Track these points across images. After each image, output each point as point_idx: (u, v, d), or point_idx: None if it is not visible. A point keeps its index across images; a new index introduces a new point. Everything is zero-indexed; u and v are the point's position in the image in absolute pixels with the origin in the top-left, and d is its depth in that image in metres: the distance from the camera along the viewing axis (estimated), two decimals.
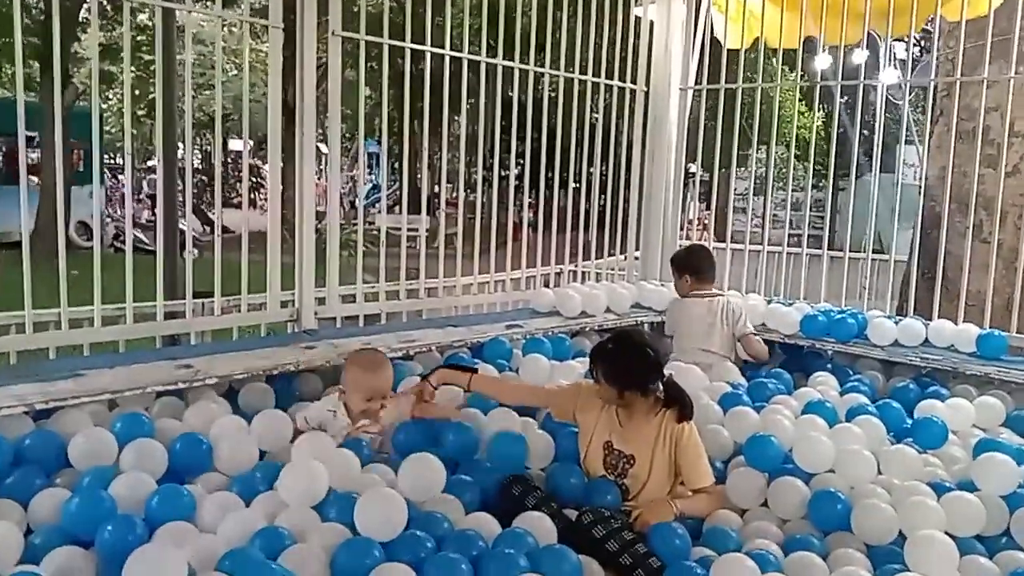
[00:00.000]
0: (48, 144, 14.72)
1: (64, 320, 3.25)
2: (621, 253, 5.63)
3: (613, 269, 5.55)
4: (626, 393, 2.76)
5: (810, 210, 7.12)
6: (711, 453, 2.96)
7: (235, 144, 25.42)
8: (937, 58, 5.67)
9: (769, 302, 4.69)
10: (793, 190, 9.79)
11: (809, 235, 5.39)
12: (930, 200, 5.40)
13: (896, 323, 4.22)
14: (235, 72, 19.28)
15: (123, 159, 10.08)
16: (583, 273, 5.50)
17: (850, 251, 5.19)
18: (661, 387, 2.80)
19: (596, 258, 5.46)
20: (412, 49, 4.20)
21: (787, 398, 3.53)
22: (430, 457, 2.53)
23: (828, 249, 5.26)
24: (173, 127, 4.98)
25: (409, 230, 5.46)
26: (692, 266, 4.34)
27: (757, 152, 5.38)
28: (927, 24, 5.64)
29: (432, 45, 4.24)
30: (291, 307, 3.93)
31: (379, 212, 7.80)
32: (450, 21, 4.34)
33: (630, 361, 2.77)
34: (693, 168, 6.92)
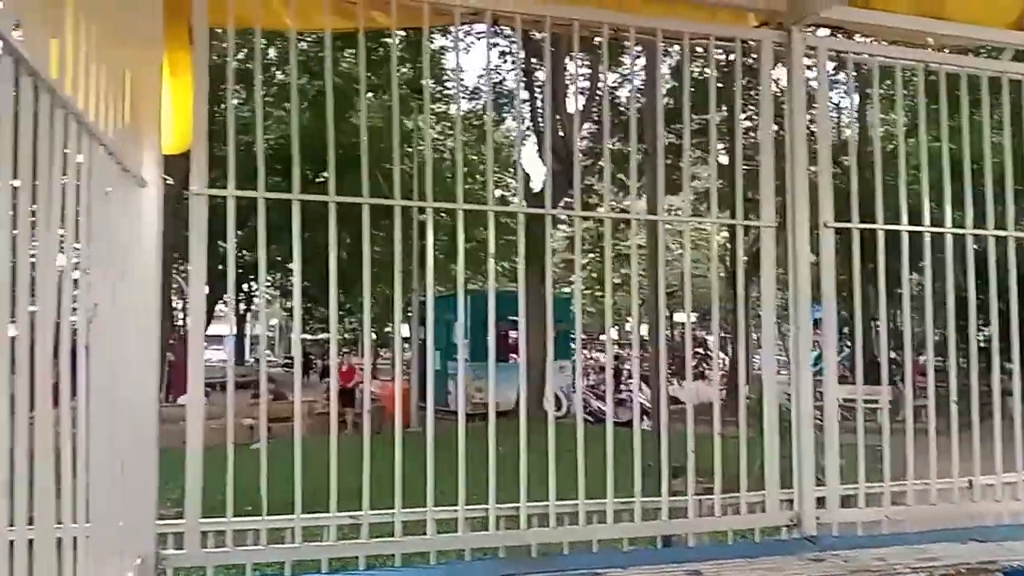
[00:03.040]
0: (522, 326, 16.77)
1: (581, 513, 3.44)
2: None
3: None
4: None
5: None
6: None
7: (680, 316, 26.45)
8: None
9: None
10: None
11: None
12: None
13: None
14: (679, 251, 20.29)
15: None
16: None
17: None
18: None
19: None
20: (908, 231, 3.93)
21: None
22: None
23: None
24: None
25: (867, 403, 4.92)
26: None
27: None
28: None
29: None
30: (792, 509, 3.70)
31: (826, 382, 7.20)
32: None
33: None
34: None
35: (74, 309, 2.00)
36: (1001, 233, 4.09)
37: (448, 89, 20.33)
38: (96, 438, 2.12)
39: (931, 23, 3.80)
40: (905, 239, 3.92)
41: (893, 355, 4.18)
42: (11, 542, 1.60)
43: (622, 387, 18.16)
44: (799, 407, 3.72)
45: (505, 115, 20.94)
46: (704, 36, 3.56)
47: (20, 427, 1.58)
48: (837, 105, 16.28)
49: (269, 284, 29.65)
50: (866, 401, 4.09)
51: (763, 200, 3.68)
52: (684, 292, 3.63)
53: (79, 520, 2.03)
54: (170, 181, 2.93)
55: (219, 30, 3.13)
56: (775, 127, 3.84)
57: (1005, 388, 4.23)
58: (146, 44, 2.75)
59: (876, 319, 3.97)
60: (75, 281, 1.98)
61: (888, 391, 4.19)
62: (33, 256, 1.69)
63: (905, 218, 3.90)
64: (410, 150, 15.44)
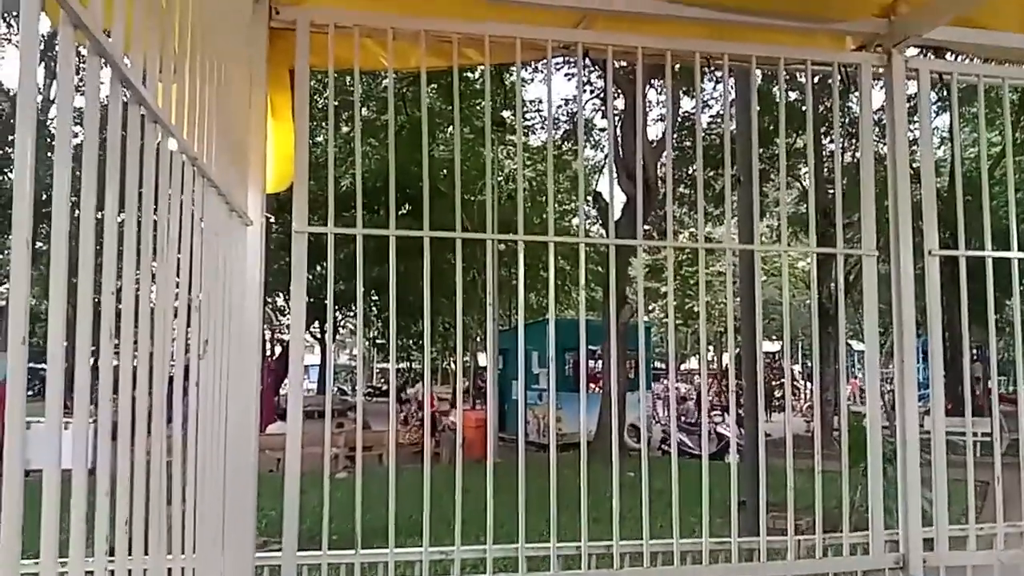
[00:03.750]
0: (606, 356, 16.66)
1: (676, 552, 3.33)
2: None
3: None
4: None
5: None
6: None
7: (769, 346, 25.93)
8: None
9: None
10: None
11: None
12: None
13: None
14: (765, 279, 19.92)
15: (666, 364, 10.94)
16: None
17: None
18: None
19: None
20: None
21: None
22: None
23: None
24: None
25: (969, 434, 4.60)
26: None
27: None
28: None
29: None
30: (897, 551, 3.52)
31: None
32: None
33: None
34: None
35: (187, 344, 2.06)
36: None
37: (526, 120, 20.55)
38: (203, 472, 2.17)
39: None
40: (1015, 266, 3.73)
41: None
42: (129, 571, 1.64)
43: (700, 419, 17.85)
44: (905, 442, 3.54)
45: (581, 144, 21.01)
46: (800, 61, 3.48)
47: (138, 462, 1.63)
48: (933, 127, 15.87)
49: (353, 315, 30.35)
50: (972, 434, 3.87)
51: (864, 227, 3.56)
52: (783, 321, 3.53)
53: (187, 552, 2.07)
54: (271, 218, 3.01)
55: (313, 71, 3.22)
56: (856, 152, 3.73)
57: None
58: (252, 87, 2.84)
59: (975, 349, 3.79)
60: (188, 318, 2.04)
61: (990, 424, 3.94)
62: (150, 296, 1.75)
63: (1015, 244, 3.72)
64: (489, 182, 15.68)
